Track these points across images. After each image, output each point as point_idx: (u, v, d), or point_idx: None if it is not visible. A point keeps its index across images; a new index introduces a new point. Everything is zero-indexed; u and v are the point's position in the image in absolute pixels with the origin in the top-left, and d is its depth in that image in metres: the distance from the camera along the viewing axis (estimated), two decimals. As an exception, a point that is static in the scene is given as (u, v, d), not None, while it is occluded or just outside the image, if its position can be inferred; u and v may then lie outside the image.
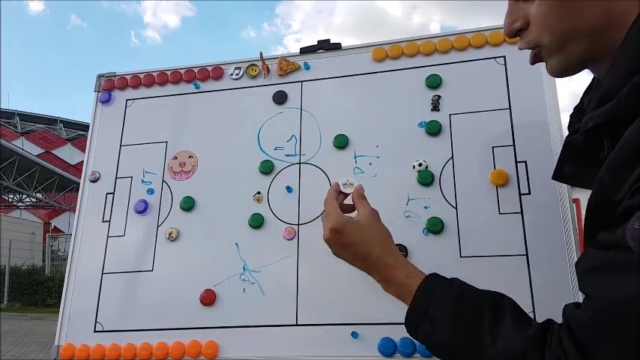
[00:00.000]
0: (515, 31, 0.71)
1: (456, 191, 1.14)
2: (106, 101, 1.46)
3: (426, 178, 1.15)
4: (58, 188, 15.65)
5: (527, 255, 1.05)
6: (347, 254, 0.81)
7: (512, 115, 1.15)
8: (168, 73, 1.44)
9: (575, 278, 0.99)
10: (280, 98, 1.33)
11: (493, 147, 1.14)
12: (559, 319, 0.60)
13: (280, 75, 1.35)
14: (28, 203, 16.80)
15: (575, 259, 1.01)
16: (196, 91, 1.41)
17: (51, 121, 23.22)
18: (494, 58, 1.21)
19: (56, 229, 16.51)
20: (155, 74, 1.44)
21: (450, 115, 1.20)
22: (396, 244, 1.11)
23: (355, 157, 1.23)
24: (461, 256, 1.09)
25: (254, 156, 1.29)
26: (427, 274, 0.74)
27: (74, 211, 1.40)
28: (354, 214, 0.84)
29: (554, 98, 1.14)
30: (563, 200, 1.06)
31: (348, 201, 0.87)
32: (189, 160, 1.35)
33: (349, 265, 0.82)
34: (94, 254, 1.30)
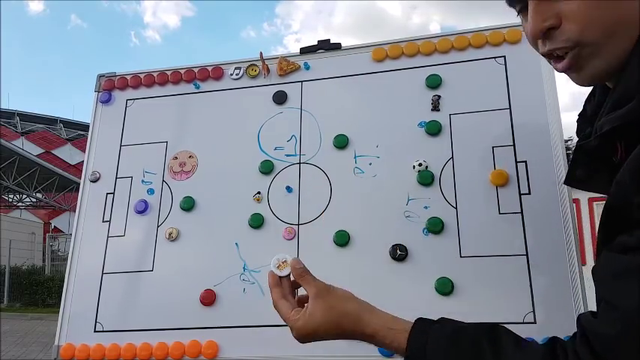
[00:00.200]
0: (545, 30, 0.64)
1: (456, 191, 1.14)
2: (106, 101, 1.46)
3: (426, 178, 1.15)
4: (58, 188, 15.65)
5: (527, 255, 1.05)
6: (328, 338, 0.79)
7: (512, 115, 1.15)
8: (169, 73, 1.44)
9: (575, 278, 1.00)
10: (280, 98, 1.33)
11: (493, 147, 1.14)
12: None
13: (280, 75, 1.35)
14: (28, 203, 16.79)
15: (575, 259, 1.01)
16: (196, 91, 1.41)
17: (51, 121, 23.23)
18: (494, 58, 1.21)
19: (56, 229, 16.51)
20: (155, 74, 1.44)
21: (450, 115, 1.20)
22: (397, 244, 1.12)
23: (355, 157, 1.23)
24: (461, 256, 1.08)
25: (254, 156, 1.29)
26: (410, 321, 0.71)
27: (74, 211, 1.40)
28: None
29: (554, 98, 1.14)
30: (563, 200, 1.06)
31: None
32: (190, 160, 1.35)
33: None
34: (94, 254, 1.30)
